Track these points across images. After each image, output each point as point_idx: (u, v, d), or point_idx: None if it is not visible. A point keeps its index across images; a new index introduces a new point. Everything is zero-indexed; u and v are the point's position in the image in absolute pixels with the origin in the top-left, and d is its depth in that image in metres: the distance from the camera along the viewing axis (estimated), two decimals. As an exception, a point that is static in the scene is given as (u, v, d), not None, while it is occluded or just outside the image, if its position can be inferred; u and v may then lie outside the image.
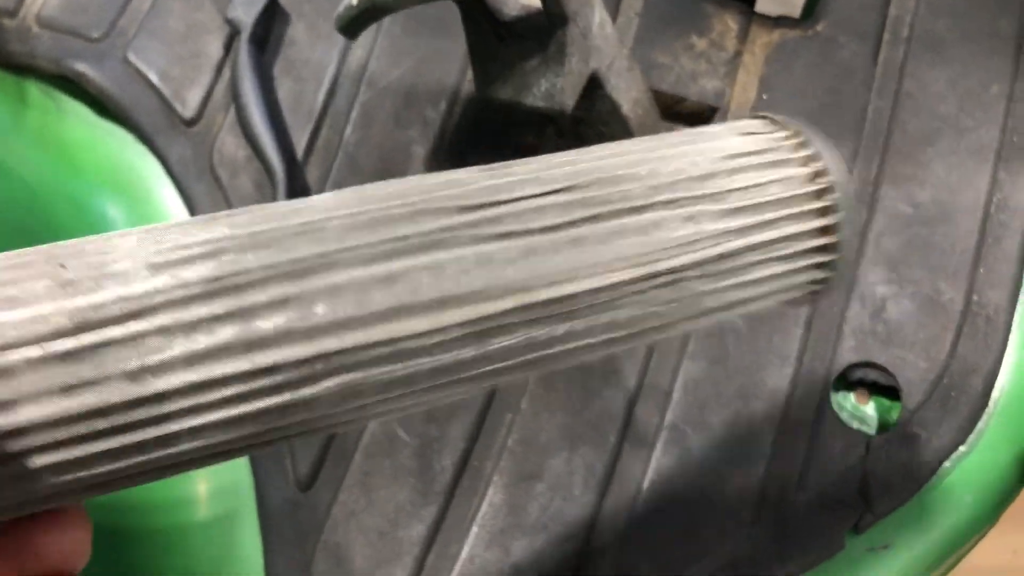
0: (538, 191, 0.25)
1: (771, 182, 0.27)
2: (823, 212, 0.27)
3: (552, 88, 0.41)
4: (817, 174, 0.28)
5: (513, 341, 0.25)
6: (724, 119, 0.48)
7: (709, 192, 0.27)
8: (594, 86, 0.43)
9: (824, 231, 0.28)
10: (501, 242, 0.24)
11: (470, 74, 0.50)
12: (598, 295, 0.25)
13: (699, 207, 0.26)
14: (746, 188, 0.27)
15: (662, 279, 0.26)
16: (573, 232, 0.25)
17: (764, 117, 0.30)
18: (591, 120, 0.47)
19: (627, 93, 0.45)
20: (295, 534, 0.44)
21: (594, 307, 0.25)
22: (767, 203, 0.27)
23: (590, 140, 0.49)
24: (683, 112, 0.50)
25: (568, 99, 0.41)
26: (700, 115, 0.50)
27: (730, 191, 0.27)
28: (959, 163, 0.46)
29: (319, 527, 0.44)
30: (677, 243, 0.26)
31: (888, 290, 0.45)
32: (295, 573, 0.44)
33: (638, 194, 0.26)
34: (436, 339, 0.24)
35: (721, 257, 0.26)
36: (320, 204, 0.25)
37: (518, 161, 0.28)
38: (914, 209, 0.46)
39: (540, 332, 0.25)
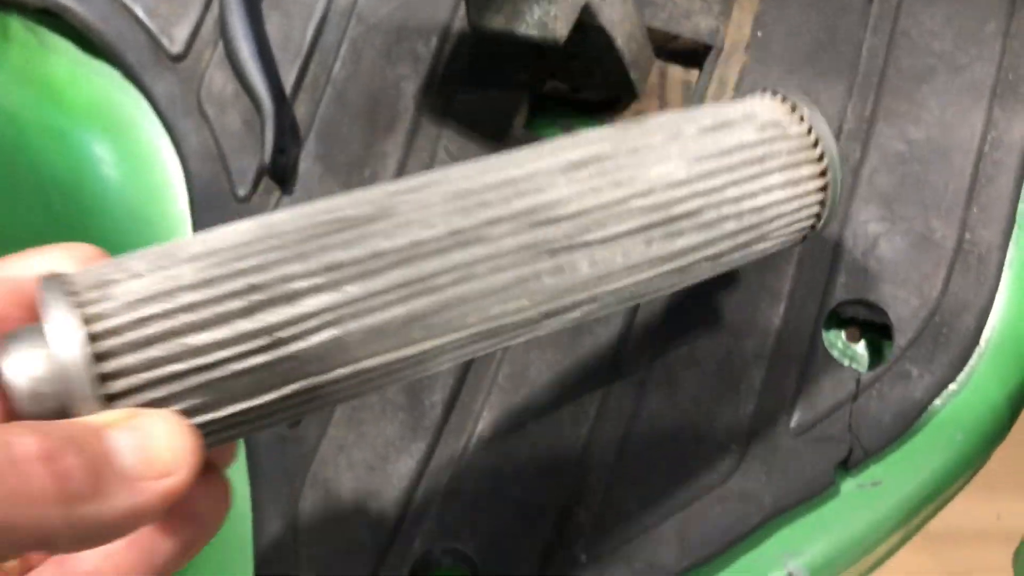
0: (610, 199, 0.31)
1: (787, 151, 0.35)
2: (822, 173, 0.35)
3: (545, 16, 0.40)
4: (816, 142, 0.35)
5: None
6: (718, 58, 0.48)
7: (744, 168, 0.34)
8: (587, 16, 0.42)
9: (822, 189, 0.35)
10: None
11: (462, 11, 0.49)
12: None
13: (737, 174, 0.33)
14: (769, 158, 0.34)
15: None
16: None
17: (769, 92, 0.37)
18: (584, 55, 0.46)
19: (620, 26, 0.44)
20: (283, 469, 0.44)
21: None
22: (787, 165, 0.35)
23: (582, 78, 0.49)
24: (677, 50, 0.50)
25: (561, 28, 0.40)
26: (694, 53, 0.49)
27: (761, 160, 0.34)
28: (954, 101, 0.46)
29: (307, 462, 0.44)
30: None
31: (881, 227, 0.45)
32: (283, 508, 0.43)
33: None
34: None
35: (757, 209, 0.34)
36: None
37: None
38: (908, 147, 0.45)
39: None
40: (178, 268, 0.26)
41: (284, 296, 0.26)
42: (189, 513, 0.27)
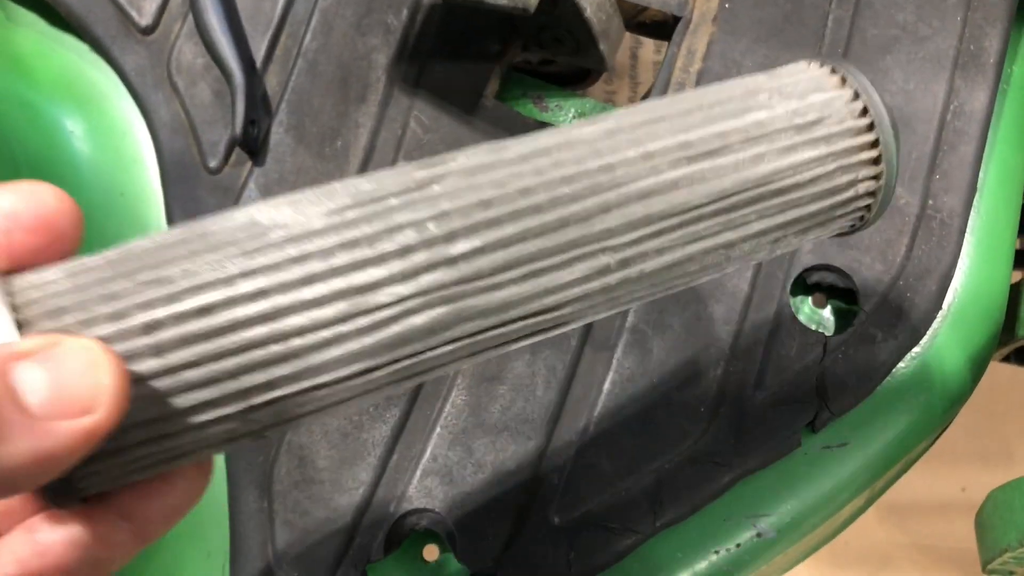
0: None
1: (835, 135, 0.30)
2: (875, 161, 0.31)
3: (515, -14, 0.41)
4: (869, 126, 0.31)
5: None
6: (687, 29, 0.48)
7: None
8: (557, -13, 0.43)
9: (875, 178, 0.31)
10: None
11: (432, -18, 0.49)
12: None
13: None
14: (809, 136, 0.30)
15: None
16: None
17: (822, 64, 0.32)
18: (554, 26, 0.47)
19: (590, -4, 0.45)
20: (257, 438, 0.44)
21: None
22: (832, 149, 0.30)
23: (553, 49, 0.49)
24: (645, 22, 0.50)
25: (531, -2, 0.41)
26: (663, 25, 0.50)
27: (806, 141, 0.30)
28: (917, 71, 0.47)
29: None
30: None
31: (846, 195, 0.45)
32: (258, 476, 0.44)
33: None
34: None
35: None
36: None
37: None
38: (872, 116, 0.46)
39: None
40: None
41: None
42: (166, 478, 0.26)
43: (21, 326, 0.22)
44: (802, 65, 0.32)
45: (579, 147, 0.28)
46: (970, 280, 0.45)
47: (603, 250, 0.27)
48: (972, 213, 0.46)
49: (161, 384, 0.23)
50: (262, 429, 0.25)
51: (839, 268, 0.45)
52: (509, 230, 0.26)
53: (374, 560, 0.42)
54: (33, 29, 0.52)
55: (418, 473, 0.43)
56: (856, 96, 0.31)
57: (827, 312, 0.46)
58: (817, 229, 0.31)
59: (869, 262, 0.45)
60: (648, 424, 0.43)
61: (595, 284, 0.27)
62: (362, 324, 0.25)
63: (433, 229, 0.25)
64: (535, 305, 0.27)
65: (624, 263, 0.28)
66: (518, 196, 0.26)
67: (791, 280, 0.44)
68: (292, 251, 0.24)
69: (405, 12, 0.49)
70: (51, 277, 0.23)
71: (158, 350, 0.23)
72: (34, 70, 0.51)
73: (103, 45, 0.50)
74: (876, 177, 0.31)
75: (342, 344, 0.25)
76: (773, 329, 0.44)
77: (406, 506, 0.43)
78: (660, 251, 0.28)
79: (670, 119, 0.29)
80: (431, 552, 0.44)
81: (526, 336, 0.28)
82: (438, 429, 0.44)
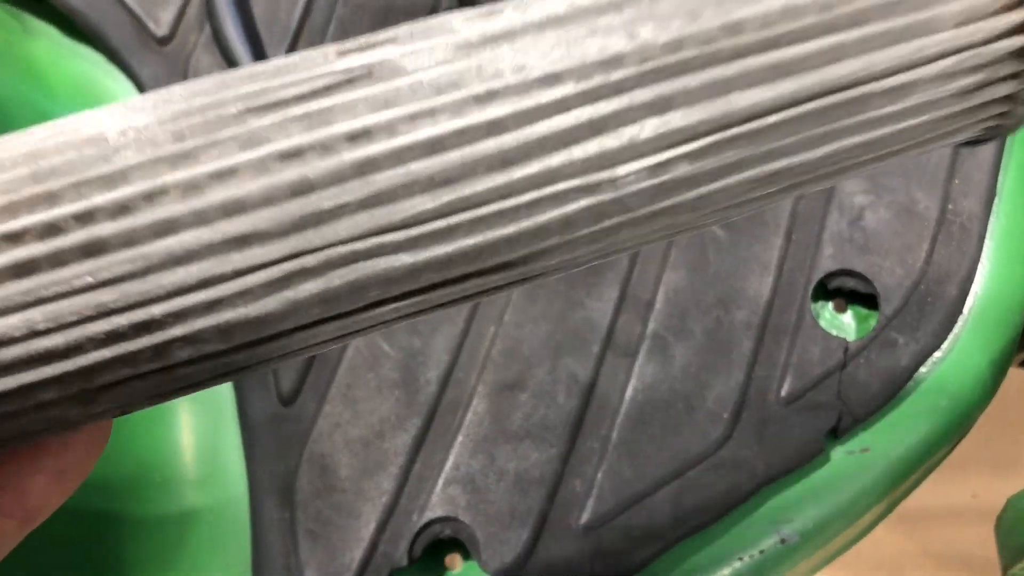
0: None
1: None
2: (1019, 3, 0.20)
3: None
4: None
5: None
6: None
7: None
8: None
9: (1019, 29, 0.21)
10: None
11: (448, -10, 0.50)
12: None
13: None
14: None
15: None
16: None
17: None
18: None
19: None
20: (278, 447, 0.44)
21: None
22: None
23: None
24: None
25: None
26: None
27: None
28: (934, 76, 0.47)
29: (303, 439, 0.44)
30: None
31: (865, 199, 0.45)
32: (279, 485, 0.43)
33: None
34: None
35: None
36: None
37: None
38: (891, 120, 0.46)
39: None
40: None
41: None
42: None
43: None
44: None
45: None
46: (990, 284, 0.45)
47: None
48: (991, 217, 0.46)
49: None
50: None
51: (859, 273, 0.45)
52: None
53: (398, 568, 0.42)
54: (49, 39, 0.52)
55: (441, 481, 0.43)
56: None
57: (848, 317, 0.46)
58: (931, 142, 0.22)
59: (889, 267, 0.45)
60: (670, 430, 0.43)
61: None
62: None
63: None
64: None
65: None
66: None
67: (812, 285, 0.44)
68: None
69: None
70: None
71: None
72: (50, 80, 0.51)
73: (119, 55, 0.50)
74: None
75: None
76: (794, 334, 0.44)
77: (429, 514, 0.42)
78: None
79: None
80: (454, 560, 0.43)
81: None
82: (460, 437, 0.44)
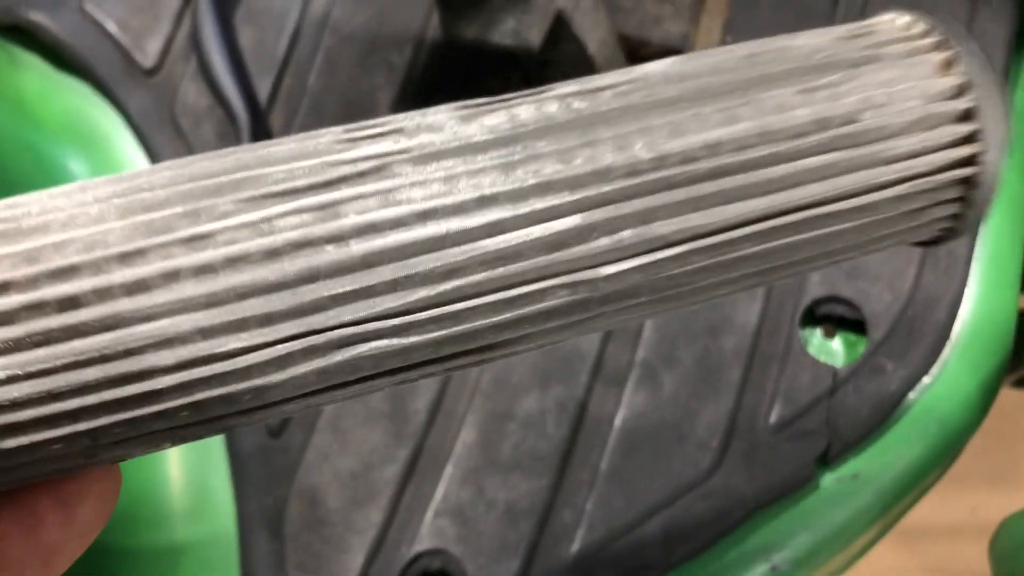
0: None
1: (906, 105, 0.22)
2: (967, 139, 0.23)
3: (519, 25, 0.41)
4: (961, 89, 0.22)
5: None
6: (688, 62, 0.49)
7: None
8: (560, 25, 0.43)
9: (966, 161, 0.23)
10: None
11: (435, 20, 0.50)
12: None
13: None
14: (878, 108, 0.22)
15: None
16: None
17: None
18: (557, 62, 0.47)
19: (593, 33, 0.45)
20: (267, 479, 0.44)
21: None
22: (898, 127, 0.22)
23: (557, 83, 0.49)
24: (648, 56, 0.50)
25: (535, 37, 0.41)
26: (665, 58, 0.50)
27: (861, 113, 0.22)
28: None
29: (292, 470, 0.44)
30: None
31: (852, 225, 0.45)
32: (268, 517, 0.43)
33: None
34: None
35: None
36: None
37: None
38: (876, 146, 0.46)
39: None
40: None
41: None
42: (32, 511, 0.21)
43: None
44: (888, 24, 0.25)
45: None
46: (978, 309, 0.45)
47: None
48: (978, 242, 0.46)
49: None
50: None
51: (848, 299, 0.45)
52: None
53: (387, 602, 0.42)
54: (36, 71, 0.52)
55: (430, 513, 0.43)
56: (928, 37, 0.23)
57: (836, 343, 0.46)
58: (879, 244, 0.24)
59: (877, 293, 0.45)
60: (660, 459, 0.43)
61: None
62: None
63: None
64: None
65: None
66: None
67: (800, 312, 0.44)
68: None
69: (408, 50, 0.50)
70: None
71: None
72: (38, 112, 0.52)
73: (107, 87, 0.50)
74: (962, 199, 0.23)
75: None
76: (783, 361, 0.44)
77: (419, 547, 0.42)
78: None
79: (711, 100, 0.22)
80: (444, 593, 0.43)
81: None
82: (449, 468, 0.43)
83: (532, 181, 0.20)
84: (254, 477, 0.44)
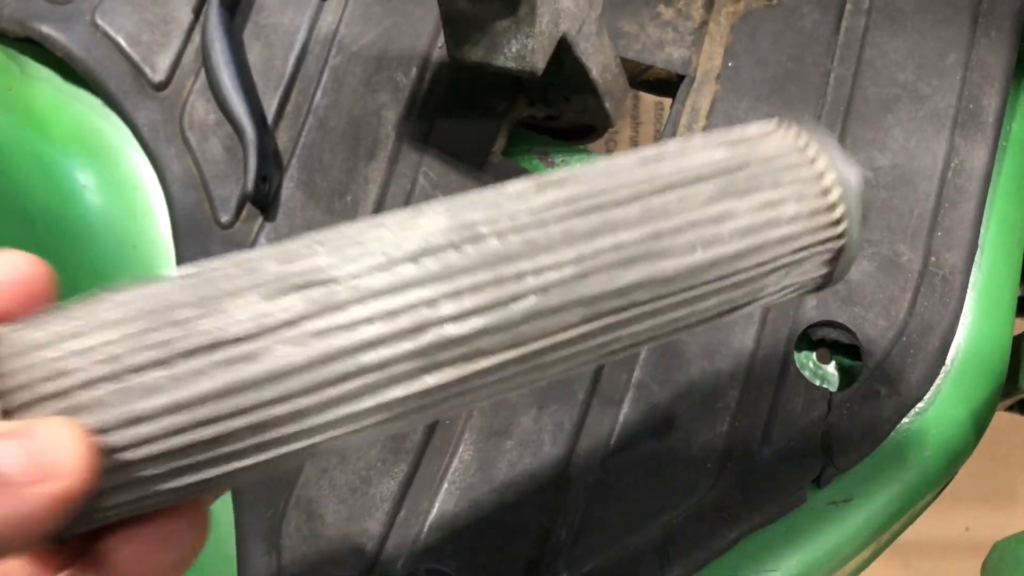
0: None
1: (786, 199, 0.29)
2: (836, 222, 0.30)
3: (523, 49, 0.41)
4: (827, 189, 0.30)
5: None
6: (691, 87, 0.49)
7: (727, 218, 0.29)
8: (564, 49, 0.44)
9: (836, 238, 0.30)
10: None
11: (441, 40, 0.50)
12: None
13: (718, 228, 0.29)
14: (761, 208, 0.29)
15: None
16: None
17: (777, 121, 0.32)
18: (560, 85, 0.47)
19: (595, 57, 0.45)
20: (266, 491, 0.44)
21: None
22: (784, 220, 0.29)
23: (559, 107, 0.50)
24: (650, 80, 0.51)
25: (539, 61, 0.42)
26: (667, 83, 0.51)
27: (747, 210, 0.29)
28: (917, 129, 0.48)
29: (290, 484, 0.44)
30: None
31: (849, 251, 0.46)
32: (266, 531, 0.44)
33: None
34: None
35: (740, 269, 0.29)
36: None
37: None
38: (874, 173, 0.47)
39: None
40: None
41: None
42: (161, 536, 0.26)
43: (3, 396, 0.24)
44: (768, 129, 0.31)
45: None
46: (972, 336, 0.46)
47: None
48: (974, 269, 0.46)
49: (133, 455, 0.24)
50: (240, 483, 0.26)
51: (843, 324, 0.45)
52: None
53: (382, 617, 0.42)
54: (47, 84, 0.53)
55: (426, 529, 0.43)
56: (822, 174, 0.30)
57: (831, 368, 0.46)
58: (766, 298, 0.31)
59: (872, 318, 0.45)
60: (655, 479, 0.44)
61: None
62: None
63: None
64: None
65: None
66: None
67: (796, 337, 0.45)
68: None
69: (414, 70, 0.50)
70: (35, 339, 0.24)
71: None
72: (48, 124, 0.52)
73: (116, 100, 0.51)
74: (835, 254, 0.31)
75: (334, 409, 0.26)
76: (778, 385, 0.44)
77: (415, 562, 0.43)
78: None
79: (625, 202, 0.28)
80: (439, 608, 0.44)
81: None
82: (446, 485, 0.44)
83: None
84: (253, 490, 0.45)
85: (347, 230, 0.27)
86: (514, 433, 0.45)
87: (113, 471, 0.24)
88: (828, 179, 0.30)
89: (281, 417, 0.25)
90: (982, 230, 0.47)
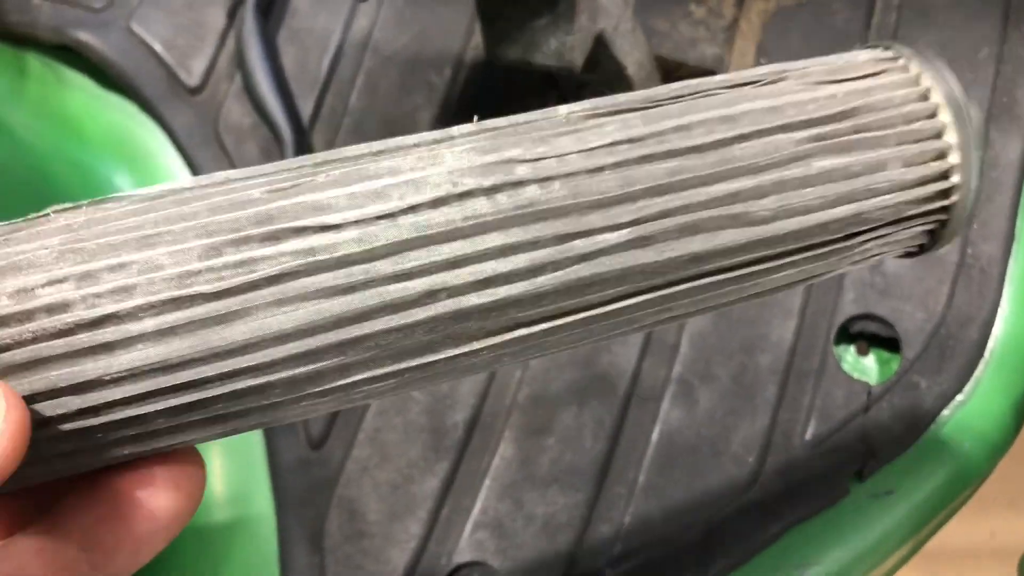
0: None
1: (894, 160, 0.25)
2: (944, 193, 0.25)
3: (562, 46, 0.42)
4: (941, 152, 0.25)
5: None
6: (722, 84, 0.49)
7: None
8: (600, 46, 0.44)
9: (943, 209, 0.26)
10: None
11: (473, 41, 0.51)
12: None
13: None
14: (864, 170, 0.25)
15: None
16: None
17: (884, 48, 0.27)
18: (595, 82, 0.48)
19: (631, 55, 0.46)
20: (308, 491, 0.44)
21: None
22: (887, 187, 0.25)
23: (592, 104, 0.50)
24: (683, 77, 0.51)
25: (577, 57, 0.42)
26: (699, 80, 0.51)
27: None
28: (951, 123, 0.48)
29: (332, 483, 0.44)
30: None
31: (886, 245, 0.46)
32: (308, 530, 0.44)
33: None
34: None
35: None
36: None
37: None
38: (909, 167, 0.47)
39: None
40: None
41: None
42: (132, 500, 0.23)
43: None
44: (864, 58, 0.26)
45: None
46: (1011, 327, 0.46)
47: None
48: (1010, 261, 0.46)
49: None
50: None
51: (881, 317, 0.45)
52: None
53: (427, 613, 0.42)
54: (83, 91, 0.54)
55: (469, 526, 0.43)
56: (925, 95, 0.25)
57: (870, 361, 0.46)
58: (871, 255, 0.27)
59: (911, 311, 0.45)
60: (697, 474, 0.44)
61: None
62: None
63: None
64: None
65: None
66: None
67: (834, 330, 0.45)
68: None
69: (447, 71, 0.51)
70: None
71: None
72: (85, 130, 0.53)
73: (152, 104, 0.51)
74: (946, 201, 0.25)
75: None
76: (818, 379, 0.44)
77: (458, 559, 0.43)
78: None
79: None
80: (483, 605, 0.44)
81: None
82: (487, 482, 0.44)
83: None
84: (295, 490, 0.45)
85: (353, 153, 0.23)
86: (555, 430, 0.45)
87: (51, 440, 0.21)
88: (948, 139, 0.25)
89: (240, 391, 0.21)
90: (1018, 221, 0.47)
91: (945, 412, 0.45)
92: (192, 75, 0.51)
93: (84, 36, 0.52)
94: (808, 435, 0.44)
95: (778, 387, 0.44)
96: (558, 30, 0.41)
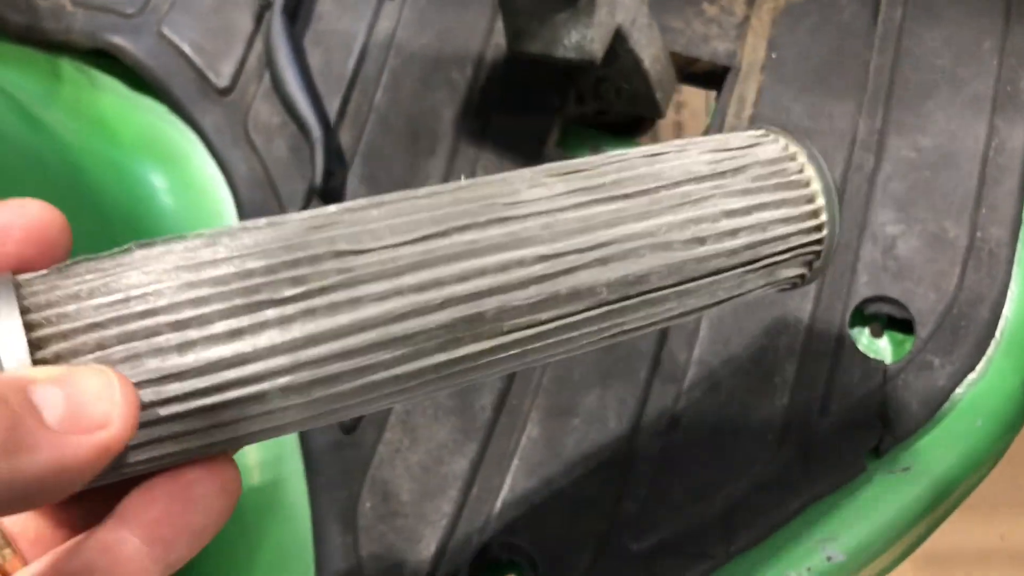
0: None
1: (777, 203, 0.32)
2: (817, 228, 0.33)
3: (582, 40, 0.43)
4: (810, 197, 0.33)
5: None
6: (736, 78, 0.51)
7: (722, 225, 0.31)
8: (618, 40, 0.46)
9: (817, 242, 0.33)
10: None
11: (495, 39, 0.53)
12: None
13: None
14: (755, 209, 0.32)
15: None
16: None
17: (764, 129, 0.35)
18: (613, 77, 0.49)
19: (648, 49, 0.47)
20: (340, 474, 0.46)
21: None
22: (773, 222, 0.32)
23: (610, 100, 0.52)
24: (697, 72, 0.53)
25: (598, 50, 0.44)
26: (713, 75, 0.53)
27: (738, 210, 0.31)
28: (957, 113, 0.49)
29: (365, 465, 0.46)
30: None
31: (897, 229, 0.48)
32: (342, 511, 0.45)
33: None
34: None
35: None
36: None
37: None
38: (918, 154, 0.49)
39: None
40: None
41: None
42: (189, 498, 0.25)
43: (36, 346, 0.23)
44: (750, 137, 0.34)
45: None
46: (1020, 307, 0.47)
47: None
48: (1019, 243, 0.48)
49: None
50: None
51: (895, 299, 0.47)
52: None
53: (459, 589, 0.43)
54: (115, 93, 0.55)
55: (499, 505, 0.45)
56: (801, 170, 0.33)
57: (884, 341, 0.48)
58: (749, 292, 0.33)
59: (923, 292, 0.47)
60: (718, 452, 0.45)
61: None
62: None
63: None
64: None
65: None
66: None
67: (849, 311, 0.46)
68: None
69: (469, 68, 0.52)
70: (70, 288, 0.24)
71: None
72: (118, 131, 0.54)
73: (183, 106, 0.53)
74: (817, 247, 0.33)
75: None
76: (834, 358, 0.46)
77: (488, 537, 0.44)
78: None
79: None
80: (513, 581, 0.45)
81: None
82: (516, 461, 0.45)
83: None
84: (328, 473, 0.46)
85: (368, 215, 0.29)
86: (579, 411, 0.46)
87: (145, 425, 0.24)
88: (814, 187, 0.33)
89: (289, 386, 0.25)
90: (1025, 206, 0.48)
91: (959, 390, 0.46)
92: (221, 77, 0.53)
93: (117, 40, 0.53)
94: (826, 413, 0.45)
95: (796, 367, 0.46)
96: (579, 24, 0.43)
